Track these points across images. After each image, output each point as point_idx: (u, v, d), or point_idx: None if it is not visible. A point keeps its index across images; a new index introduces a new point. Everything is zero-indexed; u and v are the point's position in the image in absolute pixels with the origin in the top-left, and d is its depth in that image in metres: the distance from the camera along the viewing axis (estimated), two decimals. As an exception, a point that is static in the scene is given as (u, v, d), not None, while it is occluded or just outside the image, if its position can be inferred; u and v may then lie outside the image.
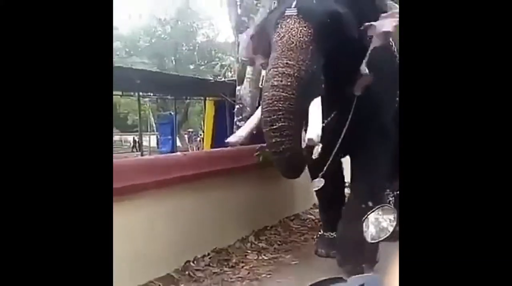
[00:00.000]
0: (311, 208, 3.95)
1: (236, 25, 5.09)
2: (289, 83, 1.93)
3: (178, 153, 2.62)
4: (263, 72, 2.51)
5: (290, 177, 2.44)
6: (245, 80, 4.70)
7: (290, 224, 3.59)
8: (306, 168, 2.34)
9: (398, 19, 1.52)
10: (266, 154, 2.69)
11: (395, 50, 2.34)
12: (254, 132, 2.31)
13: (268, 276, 2.53)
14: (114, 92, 13.27)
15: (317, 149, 2.07)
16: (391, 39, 2.20)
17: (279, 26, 2.03)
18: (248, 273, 2.57)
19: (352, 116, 2.25)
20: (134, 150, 16.12)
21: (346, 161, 2.76)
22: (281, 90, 1.93)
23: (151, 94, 13.81)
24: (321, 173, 2.30)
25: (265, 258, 2.82)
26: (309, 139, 1.96)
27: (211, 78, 10.06)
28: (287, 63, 1.95)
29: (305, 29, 1.97)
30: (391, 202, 2.20)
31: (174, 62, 19.99)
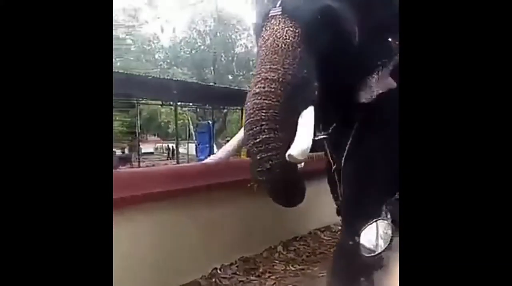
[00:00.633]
0: (342, 220, 3.89)
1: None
2: (272, 90, 1.65)
3: (210, 161, 2.65)
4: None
5: (287, 204, 1.95)
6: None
7: (321, 235, 3.54)
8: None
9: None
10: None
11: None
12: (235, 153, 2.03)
13: (294, 287, 2.51)
14: (154, 102, 13.87)
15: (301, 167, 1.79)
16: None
17: (264, 29, 1.79)
18: (274, 283, 2.56)
19: (356, 129, 1.93)
20: (169, 157, 16.48)
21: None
22: (263, 97, 1.65)
23: (191, 103, 14.21)
24: (335, 194, 2.18)
25: (293, 268, 2.79)
26: (289, 155, 1.58)
27: (248, 89, 10.15)
28: (270, 67, 1.68)
29: (291, 29, 1.70)
30: (387, 213, 1.81)
31: (213, 73, 20.49)
